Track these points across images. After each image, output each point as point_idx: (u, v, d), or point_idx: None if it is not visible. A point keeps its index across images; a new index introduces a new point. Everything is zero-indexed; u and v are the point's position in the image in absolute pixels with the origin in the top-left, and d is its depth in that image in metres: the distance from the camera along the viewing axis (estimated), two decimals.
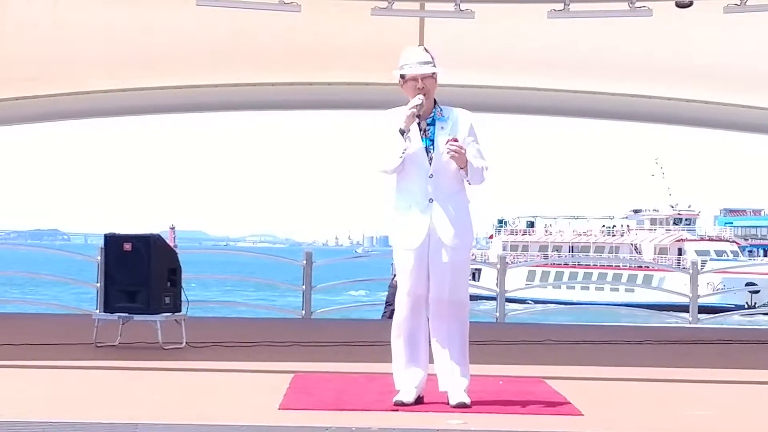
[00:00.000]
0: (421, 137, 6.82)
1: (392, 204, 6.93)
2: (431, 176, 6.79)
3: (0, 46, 13.20)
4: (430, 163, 6.79)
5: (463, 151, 6.70)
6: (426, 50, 6.97)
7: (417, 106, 6.75)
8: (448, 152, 6.70)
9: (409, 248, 6.81)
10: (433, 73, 6.84)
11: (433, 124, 6.86)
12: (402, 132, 6.71)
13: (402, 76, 6.86)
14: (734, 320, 29.83)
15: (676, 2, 11.26)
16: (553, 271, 68.65)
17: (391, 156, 6.74)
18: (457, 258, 6.80)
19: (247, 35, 13.11)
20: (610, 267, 68.33)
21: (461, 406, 6.69)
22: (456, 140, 6.73)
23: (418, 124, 6.83)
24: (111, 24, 12.78)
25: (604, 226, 78.86)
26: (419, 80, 6.80)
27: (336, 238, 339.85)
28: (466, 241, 6.88)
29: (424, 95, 6.78)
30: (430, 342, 6.90)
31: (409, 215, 6.82)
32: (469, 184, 6.84)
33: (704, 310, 19.36)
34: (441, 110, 6.91)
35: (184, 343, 10.43)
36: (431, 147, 6.80)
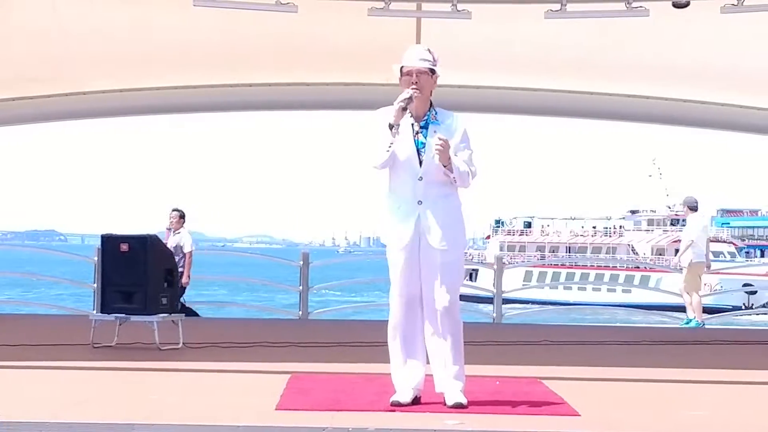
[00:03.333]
0: (414, 139, 6.81)
1: (384, 204, 6.94)
2: (420, 178, 6.78)
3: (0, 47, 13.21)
4: (420, 166, 6.79)
5: (447, 147, 6.68)
6: (429, 51, 6.96)
7: (405, 99, 6.72)
8: (435, 148, 6.70)
9: (398, 249, 6.81)
10: (431, 72, 6.83)
11: (426, 126, 6.84)
12: (391, 126, 6.71)
13: (401, 73, 6.87)
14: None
15: (673, 2, 11.25)
16: (550, 271, 68.60)
17: (380, 150, 6.74)
18: (446, 260, 6.78)
19: (245, 36, 13.11)
20: (607, 267, 68.28)
21: (458, 407, 6.68)
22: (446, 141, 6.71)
23: (412, 125, 6.83)
24: (109, 25, 12.78)
25: (594, 227, 78.84)
26: (413, 75, 6.80)
27: (333, 239, 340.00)
28: (456, 243, 6.85)
29: (416, 90, 6.77)
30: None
31: (398, 216, 6.82)
32: (454, 183, 6.82)
33: (702, 310, 19.32)
34: (436, 113, 6.89)
35: (181, 344, 10.43)
36: (423, 149, 6.79)
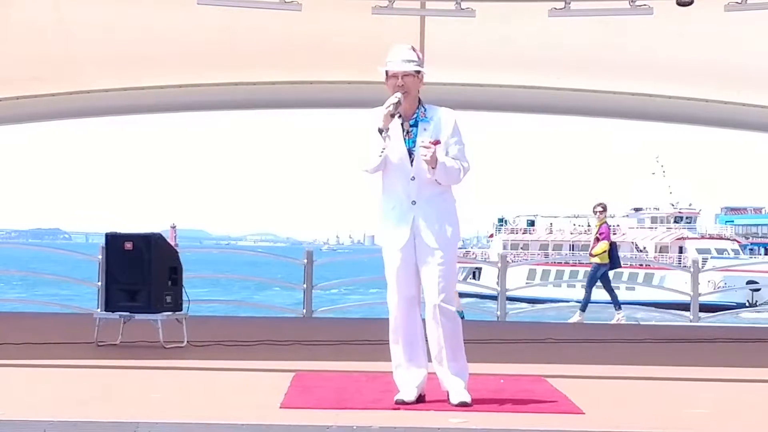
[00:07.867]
0: (404, 138, 6.80)
1: (378, 205, 6.93)
2: (413, 178, 6.77)
3: (2, 45, 13.21)
4: (412, 165, 6.77)
5: (432, 151, 6.67)
6: (413, 49, 6.93)
7: (393, 104, 6.70)
8: (421, 154, 6.68)
9: (395, 249, 6.81)
10: (417, 73, 6.80)
11: (416, 125, 6.84)
12: (380, 131, 6.69)
13: (386, 73, 6.86)
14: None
15: (677, 1, 11.25)
16: (553, 269, 68.54)
17: (371, 155, 6.72)
18: (442, 258, 6.78)
19: (248, 34, 13.11)
20: None
21: (462, 405, 6.69)
22: (437, 142, 6.70)
23: (402, 125, 6.81)
24: (112, 23, 12.79)
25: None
26: (399, 78, 6.78)
27: (337, 237, 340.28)
28: (451, 241, 6.85)
29: (404, 93, 6.76)
30: (427, 341, 6.91)
31: (393, 216, 6.82)
32: (440, 184, 6.80)
33: (705, 308, 19.36)
34: (425, 110, 6.87)
35: (185, 342, 10.45)
36: (414, 149, 6.78)
